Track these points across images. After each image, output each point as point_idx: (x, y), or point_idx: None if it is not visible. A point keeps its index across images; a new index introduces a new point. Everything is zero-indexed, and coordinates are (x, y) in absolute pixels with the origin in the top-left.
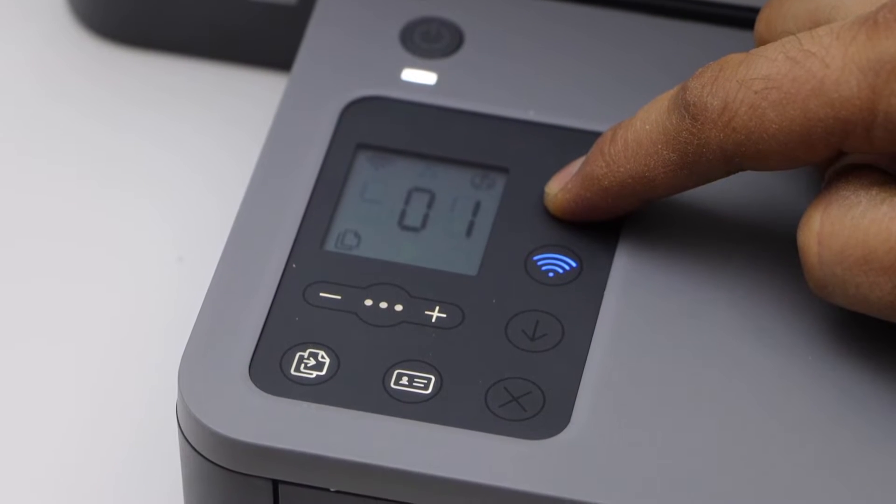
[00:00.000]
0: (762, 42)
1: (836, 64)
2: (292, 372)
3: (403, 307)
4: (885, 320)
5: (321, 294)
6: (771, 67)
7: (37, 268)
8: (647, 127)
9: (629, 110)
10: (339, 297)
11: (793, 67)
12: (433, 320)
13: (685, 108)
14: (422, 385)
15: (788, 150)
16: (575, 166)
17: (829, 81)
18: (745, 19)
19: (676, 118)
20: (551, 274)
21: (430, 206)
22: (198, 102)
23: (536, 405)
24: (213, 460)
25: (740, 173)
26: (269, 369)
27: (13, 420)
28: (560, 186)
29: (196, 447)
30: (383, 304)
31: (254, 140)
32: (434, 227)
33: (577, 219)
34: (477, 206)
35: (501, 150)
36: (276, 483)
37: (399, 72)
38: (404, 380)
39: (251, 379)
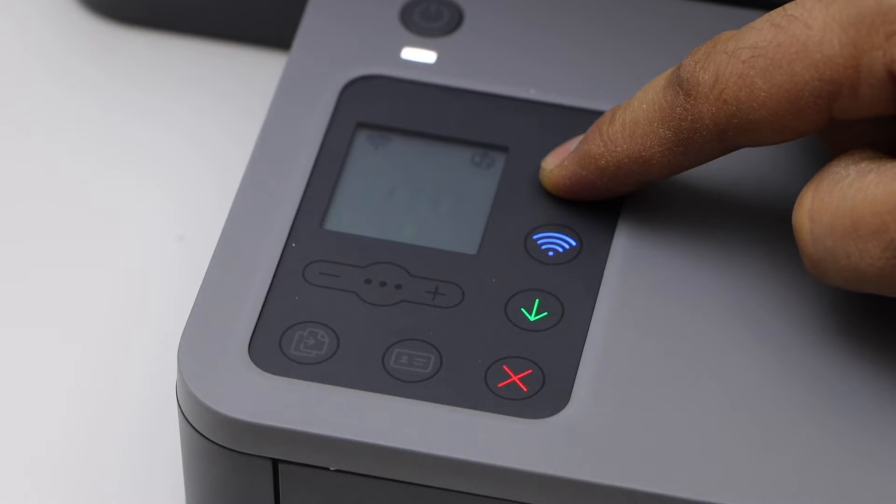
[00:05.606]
0: None
1: (817, 24)
2: (292, 351)
3: (403, 286)
4: (880, 295)
5: (321, 273)
6: (758, 36)
7: (37, 248)
8: (644, 106)
9: (629, 89)
10: (338, 276)
11: (777, 33)
12: (433, 299)
13: (679, 85)
14: (421, 364)
15: (778, 119)
16: (573, 144)
17: (811, 43)
18: None
19: (671, 95)
20: (551, 253)
21: (429, 184)
22: (197, 81)
23: (536, 384)
24: (212, 439)
25: (741, 153)
26: (268, 348)
27: (12, 399)
28: (557, 163)
29: (196, 426)
30: (383, 283)
31: (253, 119)
32: (434, 206)
33: (571, 196)
34: (477, 184)
35: (501, 128)
36: (275, 462)
37: (399, 50)
38: (404, 359)
39: (251, 358)
